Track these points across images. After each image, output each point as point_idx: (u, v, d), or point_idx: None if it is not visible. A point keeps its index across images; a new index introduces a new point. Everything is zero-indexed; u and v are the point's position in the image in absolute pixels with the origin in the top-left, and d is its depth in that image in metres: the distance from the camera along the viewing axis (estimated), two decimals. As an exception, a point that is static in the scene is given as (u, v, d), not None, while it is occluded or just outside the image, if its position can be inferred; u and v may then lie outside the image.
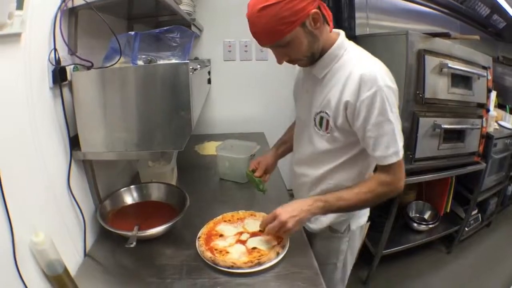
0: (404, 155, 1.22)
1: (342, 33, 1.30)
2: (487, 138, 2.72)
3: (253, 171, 1.62)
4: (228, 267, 1.21)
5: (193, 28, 2.27)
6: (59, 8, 1.13)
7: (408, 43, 2.12)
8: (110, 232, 1.32)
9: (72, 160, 1.25)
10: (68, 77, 1.17)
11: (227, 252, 1.29)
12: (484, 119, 2.60)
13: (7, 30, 0.87)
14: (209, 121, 3.11)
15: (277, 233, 1.28)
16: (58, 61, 1.13)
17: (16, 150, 0.95)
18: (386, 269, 2.77)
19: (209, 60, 2.82)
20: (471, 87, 2.44)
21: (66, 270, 1.07)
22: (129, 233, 1.28)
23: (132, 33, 1.22)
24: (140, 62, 1.22)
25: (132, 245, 1.20)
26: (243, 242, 1.34)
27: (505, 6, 3.11)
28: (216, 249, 1.31)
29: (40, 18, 1.06)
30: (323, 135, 1.32)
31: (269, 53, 2.89)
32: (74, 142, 1.24)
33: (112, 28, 1.13)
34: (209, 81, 2.68)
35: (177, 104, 1.17)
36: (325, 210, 1.27)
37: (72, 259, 1.23)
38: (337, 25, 2.27)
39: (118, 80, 1.18)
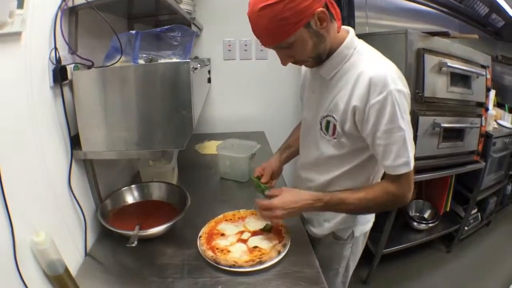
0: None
1: (351, 30, 1.22)
2: (486, 137, 2.73)
3: (259, 177, 1.53)
4: (230, 266, 1.21)
5: (193, 27, 2.27)
6: (60, 7, 1.12)
7: (407, 42, 2.12)
8: (111, 231, 1.32)
9: (73, 160, 1.24)
10: (69, 76, 1.17)
11: (229, 251, 1.29)
12: (483, 118, 2.61)
13: (8, 29, 0.87)
14: (209, 120, 3.10)
15: (262, 214, 1.28)
16: (58, 60, 1.13)
17: (16, 150, 0.95)
18: (386, 268, 2.78)
19: (209, 59, 2.82)
20: (470, 86, 2.45)
21: (67, 270, 1.06)
22: (130, 233, 1.28)
23: (133, 32, 1.21)
24: (141, 61, 1.21)
25: (133, 245, 1.20)
26: (244, 241, 1.35)
27: (504, 5, 3.12)
28: (217, 248, 1.31)
29: (40, 17, 1.05)
30: (330, 140, 1.26)
31: (269, 52, 2.90)
32: (74, 142, 1.24)
33: (112, 27, 1.13)
34: (209, 80, 2.68)
35: (178, 103, 1.16)
36: (323, 210, 1.26)
37: (73, 258, 1.22)
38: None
39: (119, 79, 1.17)
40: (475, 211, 3.13)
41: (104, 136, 1.23)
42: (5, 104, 0.91)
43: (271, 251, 1.27)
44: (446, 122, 2.32)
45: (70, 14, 1.21)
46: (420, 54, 2.15)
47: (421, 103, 2.19)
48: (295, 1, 0.99)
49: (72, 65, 1.19)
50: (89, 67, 1.24)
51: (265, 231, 1.39)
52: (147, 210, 1.52)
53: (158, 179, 1.71)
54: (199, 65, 1.60)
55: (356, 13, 2.75)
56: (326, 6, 1.07)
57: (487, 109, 2.69)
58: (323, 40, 1.12)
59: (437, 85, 2.25)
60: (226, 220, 1.49)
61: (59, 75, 1.12)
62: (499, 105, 3.30)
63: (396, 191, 1.17)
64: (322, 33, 1.09)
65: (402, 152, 1.11)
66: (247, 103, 3.13)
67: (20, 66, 0.97)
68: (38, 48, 1.05)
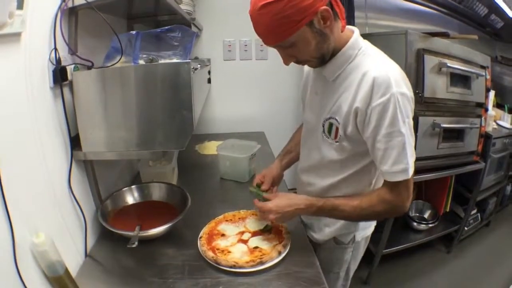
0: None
1: (356, 30, 1.19)
2: (486, 138, 2.72)
3: (259, 185, 1.48)
4: (230, 267, 1.21)
5: (193, 27, 2.28)
6: (59, 7, 1.12)
7: (407, 43, 2.12)
8: (111, 232, 1.32)
9: (73, 160, 1.24)
10: (69, 77, 1.17)
11: (229, 252, 1.29)
12: (483, 118, 2.61)
13: (8, 30, 0.87)
14: (210, 121, 3.11)
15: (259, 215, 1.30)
16: (58, 61, 1.13)
17: (16, 150, 0.95)
18: (387, 269, 2.77)
19: (209, 60, 2.82)
20: (469, 86, 2.45)
21: (67, 271, 1.06)
22: (130, 233, 1.27)
23: (133, 32, 1.21)
24: (141, 62, 1.21)
25: (133, 245, 1.20)
26: (245, 242, 1.34)
27: (503, 6, 3.12)
28: (218, 249, 1.30)
29: (40, 17, 1.05)
30: (332, 144, 1.23)
31: (269, 52, 2.90)
32: (75, 142, 1.24)
33: (112, 28, 1.13)
34: (209, 81, 2.68)
35: (178, 103, 1.16)
36: (317, 215, 1.25)
37: (73, 259, 1.22)
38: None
39: (119, 80, 1.17)
40: (475, 211, 3.13)
41: (104, 136, 1.23)
42: (5, 105, 0.91)
43: (271, 251, 1.26)
44: (446, 123, 2.32)
45: (70, 14, 1.21)
46: (420, 55, 2.15)
47: (421, 103, 2.19)
48: None
49: (72, 66, 1.19)
50: (89, 68, 1.24)
51: (265, 232, 1.39)
52: (147, 211, 1.52)
53: (158, 179, 1.71)
54: (199, 66, 1.60)
55: (356, 14, 2.76)
56: (330, 5, 1.04)
57: (486, 110, 2.69)
58: (327, 40, 1.09)
59: (437, 86, 2.25)
60: (227, 221, 1.49)
61: (59, 75, 1.12)
62: (498, 105, 3.30)
63: (393, 199, 1.14)
64: (325, 32, 1.06)
65: (401, 158, 1.08)
66: (247, 103, 3.14)
67: (20, 66, 0.97)
68: (38, 49, 1.05)
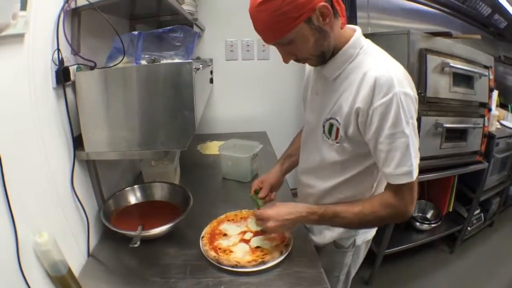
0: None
1: (358, 29, 1.16)
2: (489, 138, 2.71)
3: (257, 191, 1.47)
4: (232, 266, 1.21)
5: (195, 27, 2.28)
6: (62, 8, 1.13)
7: (409, 42, 2.12)
8: (114, 232, 1.32)
9: (76, 160, 1.25)
10: (72, 77, 1.17)
11: (231, 251, 1.29)
12: (486, 118, 2.59)
13: (11, 31, 0.87)
14: (212, 121, 3.11)
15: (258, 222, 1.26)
16: (61, 62, 1.13)
17: (19, 150, 0.95)
18: (389, 269, 2.77)
19: (211, 60, 2.83)
20: (472, 86, 2.44)
21: (70, 271, 1.06)
22: (133, 233, 1.28)
23: (136, 32, 1.22)
24: (143, 62, 1.22)
25: (136, 245, 1.20)
26: (247, 241, 1.35)
27: (506, 5, 3.11)
28: (220, 248, 1.31)
29: (43, 18, 1.06)
30: (332, 145, 1.21)
31: (271, 52, 2.91)
32: (77, 142, 1.24)
33: (115, 28, 1.14)
34: (211, 81, 2.69)
35: (180, 103, 1.16)
36: (318, 223, 1.22)
37: (75, 259, 1.22)
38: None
39: (122, 80, 1.17)
40: (478, 211, 3.12)
41: (107, 136, 1.23)
42: (8, 105, 0.91)
43: (273, 251, 1.27)
44: (449, 123, 2.32)
45: (73, 15, 1.21)
46: (422, 55, 2.14)
47: (424, 103, 2.18)
48: None
49: (75, 66, 1.20)
50: (91, 68, 1.24)
51: (267, 232, 1.39)
52: (149, 211, 1.53)
53: (161, 179, 1.72)
54: (201, 66, 1.60)
55: (358, 14, 2.75)
56: (331, 2, 1.02)
57: (490, 110, 2.67)
58: (327, 37, 1.07)
59: (440, 86, 2.24)
60: (229, 220, 1.49)
61: (62, 76, 1.13)
62: (502, 105, 3.29)
63: (397, 203, 1.11)
64: (325, 29, 1.04)
65: (405, 161, 1.05)
66: (249, 103, 3.14)
67: (23, 67, 0.98)
68: (41, 50, 1.06)
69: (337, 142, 1.19)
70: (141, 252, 1.29)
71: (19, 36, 0.95)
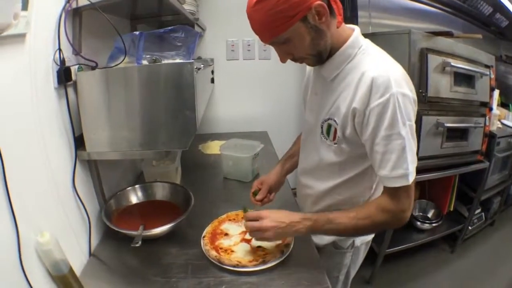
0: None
1: (357, 29, 1.16)
2: (490, 137, 2.71)
3: (256, 193, 1.48)
4: (233, 266, 1.21)
5: (196, 27, 2.28)
6: (64, 8, 1.13)
7: (410, 42, 2.12)
8: (115, 231, 1.32)
9: (77, 160, 1.25)
10: (73, 77, 1.17)
11: (232, 251, 1.29)
12: (487, 117, 2.59)
13: (12, 31, 0.87)
14: (213, 121, 3.11)
15: (252, 235, 1.20)
16: (62, 62, 1.13)
17: (21, 150, 0.96)
18: (390, 268, 2.77)
19: (212, 60, 2.82)
20: (474, 85, 2.44)
21: (71, 270, 1.07)
22: (134, 233, 1.28)
23: (137, 33, 1.22)
24: (144, 62, 1.22)
25: (137, 245, 1.20)
26: (248, 241, 1.34)
27: (508, 5, 3.11)
28: (221, 248, 1.31)
29: (44, 18, 1.06)
30: (330, 145, 1.20)
31: (272, 52, 2.89)
32: (79, 142, 1.24)
33: (116, 28, 1.14)
34: (212, 81, 2.69)
35: (182, 103, 1.16)
36: (312, 231, 1.16)
37: (77, 259, 1.23)
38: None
39: (123, 80, 1.17)
40: (479, 210, 3.11)
41: (108, 136, 1.23)
42: (9, 105, 0.91)
43: (274, 251, 1.27)
44: (450, 122, 2.31)
45: (74, 15, 1.21)
46: (423, 54, 2.14)
47: (425, 102, 2.18)
48: None
49: (76, 66, 1.20)
50: (93, 68, 1.24)
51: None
52: (151, 210, 1.53)
53: (162, 179, 1.72)
54: (202, 66, 1.60)
55: (359, 13, 2.75)
56: (327, 0, 1.02)
57: (491, 109, 2.67)
58: (323, 36, 1.06)
59: (441, 85, 2.24)
60: (230, 220, 1.49)
61: (63, 76, 1.13)
62: (503, 104, 3.29)
63: (391, 207, 1.08)
64: (321, 28, 1.04)
65: (400, 163, 1.03)
66: (250, 103, 3.14)
67: (24, 67, 0.98)
68: (42, 50, 1.06)
69: (335, 143, 1.19)
70: (142, 251, 1.29)
71: (21, 36, 0.95)
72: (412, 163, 1.04)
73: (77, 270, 1.17)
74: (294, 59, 1.15)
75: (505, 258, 2.97)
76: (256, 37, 1.09)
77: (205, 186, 1.95)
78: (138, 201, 1.59)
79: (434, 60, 2.17)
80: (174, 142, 1.23)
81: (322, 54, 1.12)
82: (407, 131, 1.02)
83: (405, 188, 1.05)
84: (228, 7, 2.80)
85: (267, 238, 1.16)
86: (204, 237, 1.37)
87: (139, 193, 1.61)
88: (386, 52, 1.16)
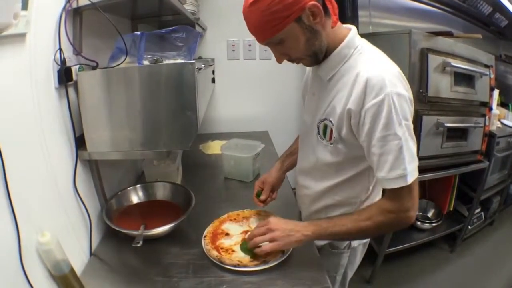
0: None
1: (353, 29, 1.15)
2: (490, 137, 2.71)
3: (258, 194, 1.48)
4: (234, 266, 1.21)
5: (197, 27, 2.28)
6: (64, 8, 1.13)
7: (411, 42, 2.12)
8: (116, 231, 1.32)
9: (78, 160, 1.25)
10: (74, 77, 1.17)
11: (233, 251, 1.29)
12: (487, 117, 2.59)
13: (12, 31, 0.87)
14: (214, 120, 3.12)
15: (260, 240, 1.19)
16: (63, 61, 1.13)
17: (22, 150, 0.96)
18: (390, 268, 2.77)
19: (213, 59, 2.83)
20: (473, 85, 2.44)
21: (72, 270, 1.07)
22: (135, 232, 1.28)
23: (138, 33, 1.22)
24: (146, 62, 1.22)
25: (138, 245, 1.20)
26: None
27: (507, 4, 3.11)
28: (222, 248, 1.31)
29: (45, 18, 1.06)
30: (327, 146, 1.20)
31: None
32: (79, 142, 1.24)
33: (117, 28, 1.14)
34: (213, 80, 2.69)
35: (183, 103, 1.16)
36: (317, 235, 1.15)
37: (78, 258, 1.23)
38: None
39: (124, 80, 1.17)
40: (478, 210, 3.12)
41: (109, 136, 1.23)
42: (10, 105, 0.91)
43: (275, 251, 1.27)
44: (450, 122, 2.31)
45: (75, 15, 1.21)
46: (424, 54, 2.14)
47: (425, 102, 2.19)
48: None
49: (77, 66, 1.20)
50: (94, 68, 1.24)
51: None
52: (152, 210, 1.53)
53: (163, 179, 1.72)
54: (203, 65, 1.60)
55: (360, 12, 2.75)
56: (322, 0, 1.03)
57: (490, 109, 2.67)
58: (318, 36, 1.06)
59: (441, 85, 2.24)
60: (231, 220, 1.49)
61: (64, 76, 1.13)
62: (502, 104, 3.29)
63: (393, 208, 1.07)
64: (316, 28, 1.04)
65: (398, 164, 1.01)
66: (251, 103, 3.14)
67: (25, 67, 0.98)
68: (42, 50, 1.06)
69: (331, 143, 1.18)
70: (143, 251, 1.29)
71: (21, 36, 0.95)
72: (410, 163, 1.02)
73: (78, 270, 1.17)
74: (291, 60, 1.15)
75: (504, 257, 2.97)
76: (253, 35, 1.09)
77: (206, 186, 1.95)
78: (139, 201, 1.59)
79: (434, 60, 2.17)
80: (175, 142, 1.23)
81: (317, 55, 1.12)
82: (404, 131, 1.01)
83: (406, 189, 1.04)
84: (228, 7, 2.80)
85: (276, 238, 1.16)
86: (205, 237, 1.37)
87: (140, 193, 1.61)
88: (383, 52, 1.15)
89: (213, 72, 2.65)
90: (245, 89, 3.10)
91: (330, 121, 1.15)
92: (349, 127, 1.09)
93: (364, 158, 1.13)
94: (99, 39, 1.41)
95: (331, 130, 1.16)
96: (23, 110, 0.98)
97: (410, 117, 1.04)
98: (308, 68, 1.38)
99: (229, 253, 1.28)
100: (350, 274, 1.53)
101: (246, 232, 1.39)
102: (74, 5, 1.16)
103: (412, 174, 1.03)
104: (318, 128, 1.22)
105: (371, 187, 1.25)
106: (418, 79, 2.17)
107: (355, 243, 1.40)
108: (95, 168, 1.39)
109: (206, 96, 1.97)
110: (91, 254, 1.32)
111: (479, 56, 2.49)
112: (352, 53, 1.12)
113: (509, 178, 3.21)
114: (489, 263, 2.90)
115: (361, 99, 1.02)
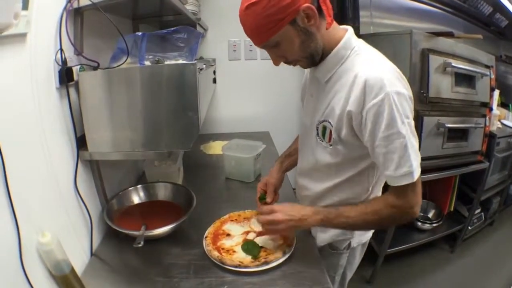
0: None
1: (350, 29, 1.15)
2: (490, 137, 2.71)
3: (262, 197, 1.47)
4: (235, 266, 1.21)
5: (198, 27, 2.28)
6: (65, 8, 1.13)
7: (412, 42, 2.11)
8: (117, 231, 1.32)
9: (79, 160, 1.25)
10: (75, 78, 1.17)
11: (234, 251, 1.29)
12: (487, 118, 2.59)
13: (13, 31, 0.87)
14: (215, 121, 3.12)
15: (265, 228, 1.25)
16: (64, 62, 1.13)
17: (22, 150, 0.95)
18: (390, 268, 2.77)
19: (214, 60, 2.83)
20: (474, 86, 2.44)
21: (73, 270, 1.07)
22: (136, 233, 1.28)
23: (139, 33, 1.22)
24: (147, 63, 1.22)
25: (139, 245, 1.20)
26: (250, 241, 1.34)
27: (508, 4, 3.11)
28: (223, 248, 1.31)
29: (45, 18, 1.06)
30: (326, 147, 1.20)
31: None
32: (80, 142, 1.24)
33: (118, 29, 1.14)
34: (214, 81, 2.69)
35: (184, 104, 1.16)
36: (323, 224, 1.17)
37: (78, 259, 1.23)
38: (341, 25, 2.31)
39: (125, 81, 1.17)
40: (478, 211, 3.12)
41: (110, 137, 1.23)
42: (11, 105, 0.91)
43: (276, 251, 1.27)
44: (451, 122, 2.31)
45: (76, 15, 1.21)
46: (424, 55, 2.14)
47: (426, 103, 2.18)
48: None
49: (78, 66, 1.20)
50: (95, 68, 1.24)
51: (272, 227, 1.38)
52: (153, 210, 1.53)
53: (164, 179, 1.72)
54: (204, 66, 1.60)
55: (361, 13, 2.76)
56: (317, 2, 1.02)
57: (491, 109, 2.67)
58: (313, 38, 1.06)
59: (442, 85, 2.24)
60: (232, 221, 1.49)
61: (65, 76, 1.13)
62: (503, 105, 3.29)
63: (399, 203, 1.08)
64: (311, 30, 1.04)
65: (404, 162, 1.02)
66: (252, 103, 3.14)
67: (25, 67, 0.98)
68: (43, 50, 1.06)
69: (330, 145, 1.18)
70: (144, 251, 1.29)
71: (21, 36, 0.95)
72: (415, 160, 1.04)
73: (79, 270, 1.17)
74: (287, 62, 1.16)
75: (504, 257, 2.97)
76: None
77: (207, 187, 1.95)
78: (140, 201, 1.59)
79: (435, 61, 2.17)
80: (176, 143, 1.23)
81: (314, 56, 1.12)
82: (407, 128, 1.01)
83: (412, 185, 1.06)
84: (230, 7, 2.78)
85: (280, 231, 1.19)
86: (206, 237, 1.37)
87: (141, 193, 1.61)
88: (384, 53, 1.15)
89: (214, 72, 2.65)
90: (246, 89, 3.10)
91: (329, 123, 1.16)
92: (349, 129, 1.10)
93: (363, 159, 1.16)
94: (100, 40, 1.41)
95: (330, 132, 1.16)
96: (24, 110, 0.98)
97: (411, 114, 1.04)
98: (306, 70, 1.38)
99: (230, 254, 1.28)
100: (349, 275, 1.53)
101: (247, 232, 1.39)
102: (75, 5, 1.16)
103: (416, 170, 1.05)
104: (317, 129, 1.22)
105: (370, 188, 1.25)
106: (419, 80, 2.17)
107: (354, 243, 1.40)
108: (96, 168, 1.39)
109: (207, 97, 1.96)
110: (91, 254, 1.32)
111: (479, 56, 2.49)
112: (349, 54, 1.12)
113: (509, 178, 3.21)
114: (489, 264, 2.90)
115: (361, 100, 1.03)
